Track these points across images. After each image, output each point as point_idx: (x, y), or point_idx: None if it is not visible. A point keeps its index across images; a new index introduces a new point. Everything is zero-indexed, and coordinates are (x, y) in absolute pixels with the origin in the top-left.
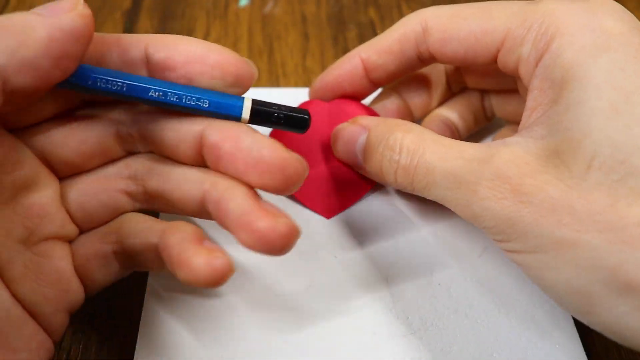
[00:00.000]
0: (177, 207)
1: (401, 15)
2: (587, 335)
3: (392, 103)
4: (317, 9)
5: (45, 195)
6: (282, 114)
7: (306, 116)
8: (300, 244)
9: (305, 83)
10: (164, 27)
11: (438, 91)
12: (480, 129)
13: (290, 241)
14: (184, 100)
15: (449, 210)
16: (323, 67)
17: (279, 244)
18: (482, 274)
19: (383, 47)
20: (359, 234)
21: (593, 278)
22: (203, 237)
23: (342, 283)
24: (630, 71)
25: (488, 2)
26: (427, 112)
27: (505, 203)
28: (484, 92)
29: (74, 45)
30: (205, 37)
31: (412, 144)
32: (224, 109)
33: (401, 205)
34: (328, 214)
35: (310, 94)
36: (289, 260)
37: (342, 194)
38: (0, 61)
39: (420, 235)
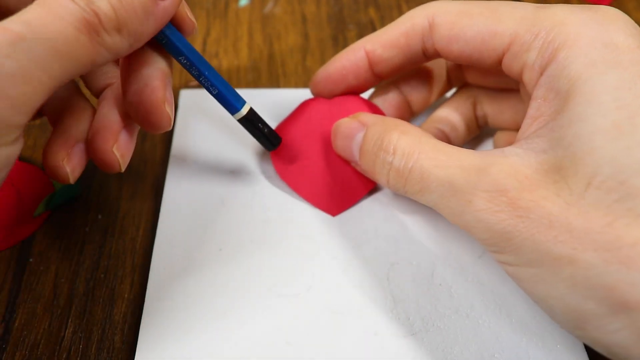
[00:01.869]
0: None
1: (401, 14)
2: None
3: (391, 97)
4: (317, 9)
5: None
6: (265, 127)
7: (276, 142)
8: (301, 245)
9: (305, 83)
10: None
11: (438, 86)
12: (473, 137)
13: None
14: (200, 79)
15: None
16: None
17: None
18: (483, 275)
19: (389, 41)
20: (360, 235)
21: (588, 295)
22: None
23: (343, 284)
24: (636, 90)
25: (497, 2)
26: (425, 107)
27: (501, 216)
28: (477, 102)
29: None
30: (205, 37)
31: (407, 147)
32: (227, 103)
33: (402, 206)
34: (333, 211)
35: (312, 86)
36: (291, 261)
37: (347, 191)
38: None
39: (421, 236)
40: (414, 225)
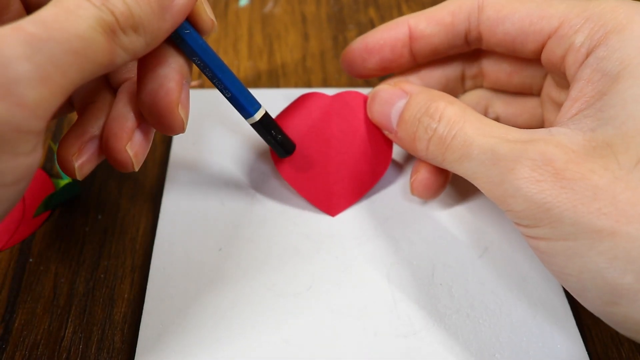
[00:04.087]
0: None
1: (401, 14)
2: (588, 336)
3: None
4: (317, 9)
5: None
6: (279, 134)
7: (290, 149)
8: (301, 245)
9: (305, 83)
10: None
11: (449, 88)
12: None
13: None
14: (214, 81)
15: (450, 210)
16: (323, 67)
17: None
18: (483, 274)
19: (435, 17)
20: (360, 235)
21: (626, 269)
22: None
23: (344, 284)
24: None
25: None
26: None
27: (543, 186)
28: (489, 104)
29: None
30: (205, 37)
31: (453, 115)
32: (239, 107)
33: (402, 206)
34: (333, 211)
35: (345, 54)
36: (291, 261)
37: (346, 191)
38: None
39: (421, 236)
40: (415, 225)
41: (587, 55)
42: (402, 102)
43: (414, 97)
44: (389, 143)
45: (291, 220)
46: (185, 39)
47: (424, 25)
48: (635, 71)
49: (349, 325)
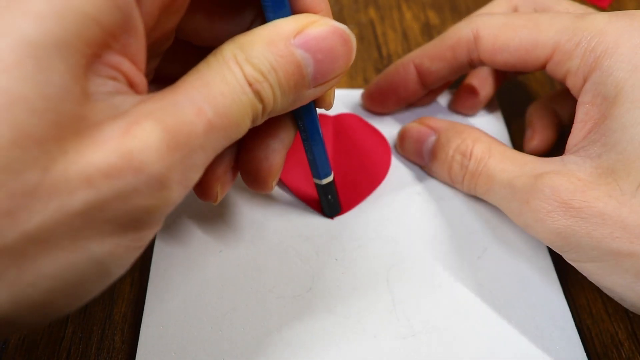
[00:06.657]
0: None
1: (401, 14)
2: (588, 336)
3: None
4: None
5: None
6: (333, 199)
7: (335, 212)
8: (301, 247)
9: None
10: None
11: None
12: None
13: None
14: (305, 143)
15: (449, 211)
16: None
17: None
18: (482, 276)
19: (436, 54)
20: (360, 237)
21: None
22: None
23: (343, 285)
24: None
25: (537, 14)
26: (445, 87)
27: (555, 216)
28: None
29: None
30: None
31: (480, 153)
32: (314, 169)
33: (401, 208)
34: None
35: (365, 98)
36: (291, 263)
37: (346, 198)
38: None
39: (420, 237)
40: (414, 227)
41: (585, 80)
42: (432, 139)
43: (442, 134)
44: (387, 153)
45: (291, 222)
46: (302, 113)
47: (428, 64)
48: (630, 94)
49: (348, 327)
